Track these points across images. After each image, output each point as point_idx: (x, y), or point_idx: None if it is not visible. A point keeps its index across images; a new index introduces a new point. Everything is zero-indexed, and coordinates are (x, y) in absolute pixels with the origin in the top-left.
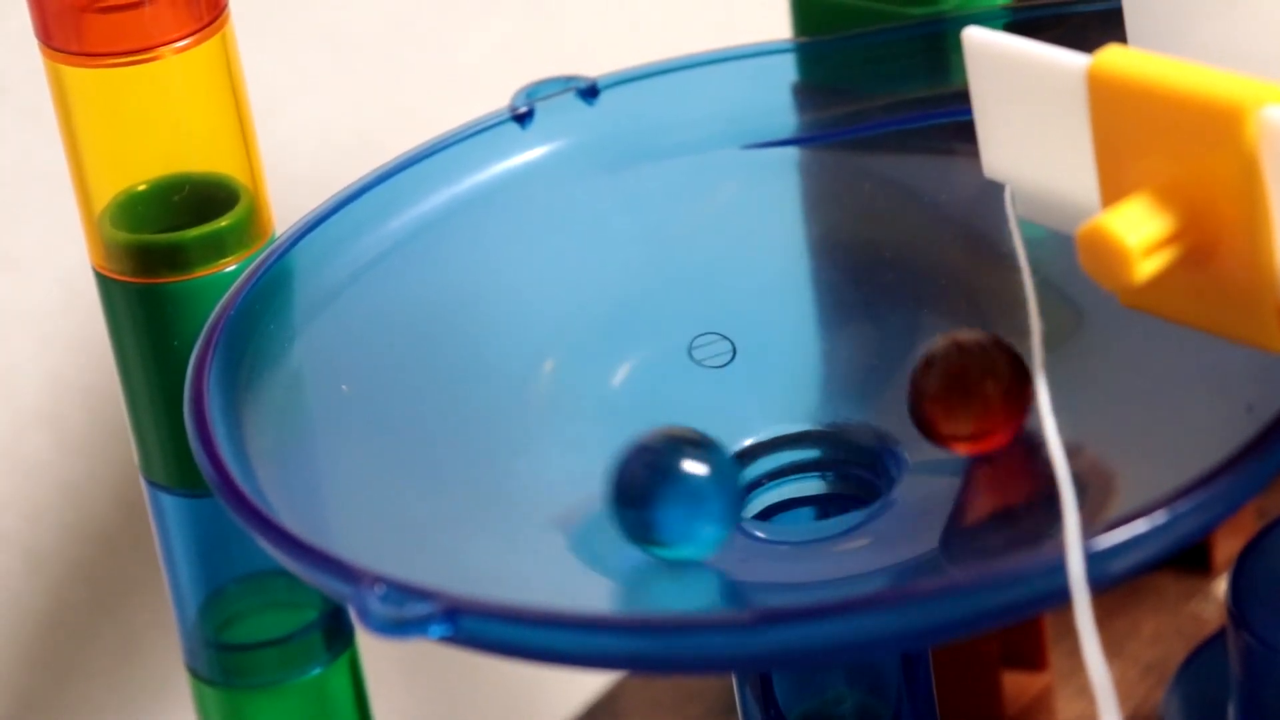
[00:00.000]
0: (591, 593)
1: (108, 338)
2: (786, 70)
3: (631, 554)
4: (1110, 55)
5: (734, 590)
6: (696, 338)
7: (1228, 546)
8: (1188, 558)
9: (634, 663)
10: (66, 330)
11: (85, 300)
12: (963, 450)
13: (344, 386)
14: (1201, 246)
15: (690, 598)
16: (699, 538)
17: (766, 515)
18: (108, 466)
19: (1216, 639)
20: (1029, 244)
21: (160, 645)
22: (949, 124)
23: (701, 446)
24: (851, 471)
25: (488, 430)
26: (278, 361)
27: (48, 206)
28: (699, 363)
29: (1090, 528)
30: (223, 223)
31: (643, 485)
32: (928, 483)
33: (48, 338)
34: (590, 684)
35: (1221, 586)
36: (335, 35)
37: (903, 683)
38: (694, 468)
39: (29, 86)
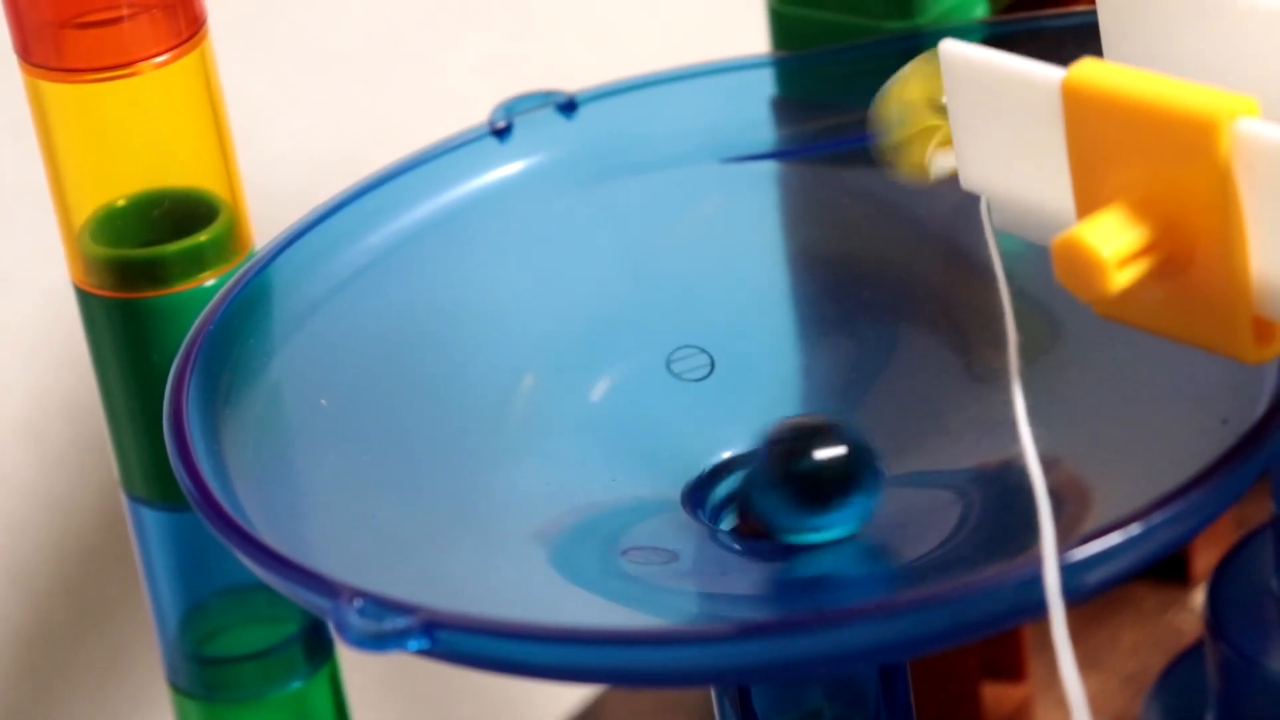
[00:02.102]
0: (570, 606)
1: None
2: (765, 84)
3: (609, 567)
4: (1085, 68)
5: (712, 603)
6: (675, 351)
7: (1206, 557)
8: (1166, 569)
9: (613, 676)
10: (49, 344)
11: (68, 315)
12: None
13: (323, 401)
14: (1176, 257)
15: (669, 611)
16: (853, 512)
17: None
18: (90, 480)
19: (1195, 650)
20: (1006, 256)
21: (142, 659)
22: None
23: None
24: None
25: (467, 444)
26: (257, 376)
27: (30, 221)
28: (678, 376)
29: (1066, 540)
30: (202, 237)
31: (827, 485)
32: (905, 496)
33: (30, 352)
34: (571, 696)
35: (1199, 598)
36: (315, 50)
37: (881, 695)
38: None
39: (8, 102)
